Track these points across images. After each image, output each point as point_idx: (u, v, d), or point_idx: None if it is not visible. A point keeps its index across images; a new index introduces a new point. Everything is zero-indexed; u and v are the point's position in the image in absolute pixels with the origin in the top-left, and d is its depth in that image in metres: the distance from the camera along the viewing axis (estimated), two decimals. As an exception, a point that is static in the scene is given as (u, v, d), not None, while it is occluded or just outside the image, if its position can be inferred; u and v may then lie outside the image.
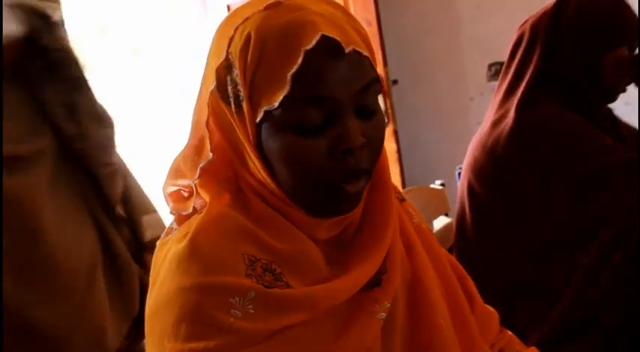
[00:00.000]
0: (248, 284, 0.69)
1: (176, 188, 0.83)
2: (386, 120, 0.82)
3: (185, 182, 0.81)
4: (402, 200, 0.94)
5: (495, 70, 3.27)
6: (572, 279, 1.32)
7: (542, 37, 1.42)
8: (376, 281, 0.78)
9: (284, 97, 0.66)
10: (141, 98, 3.57)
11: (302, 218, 0.75)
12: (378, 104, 0.74)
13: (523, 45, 1.45)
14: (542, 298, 1.35)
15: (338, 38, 0.67)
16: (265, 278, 0.71)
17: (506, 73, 1.48)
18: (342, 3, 3.04)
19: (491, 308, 1.04)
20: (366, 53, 0.71)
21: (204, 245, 0.71)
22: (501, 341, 1.01)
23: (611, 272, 1.29)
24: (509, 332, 1.04)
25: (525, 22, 1.47)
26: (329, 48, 0.67)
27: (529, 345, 1.32)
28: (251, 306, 0.68)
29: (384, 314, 0.77)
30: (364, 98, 0.71)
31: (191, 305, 0.67)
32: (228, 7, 3.59)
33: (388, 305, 0.78)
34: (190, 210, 0.80)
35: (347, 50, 0.68)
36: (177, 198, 0.83)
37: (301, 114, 0.68)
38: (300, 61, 0.66)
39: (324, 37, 0.66)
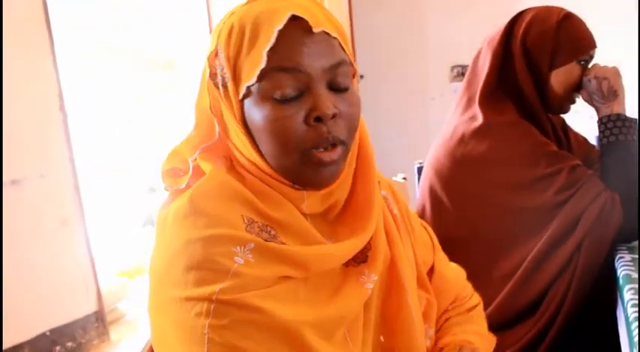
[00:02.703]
0: (248, 237, 0.76)
1: (170, 167, 0.89)
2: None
3: (180, 164, 0.88)
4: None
5: (457, 72, 3.40)
6: (518, 268, 1.43)
7: (494, 55, 1.52)
8: (363, 258, 0.86)
9: (260, 71, 0.75)
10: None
11: (288, 191, 0.82)
12: (350, 83, 0.81)
13: (480, 59, 1.56)
14: (491, 285, 1.46)
15: (307, 19, 0.76)
16: (263, 236, 0.77)
17: (468, 83, 1.58)
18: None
19: (452, 274, 1.10)
20: (334, 35, 0.78)
21: (205, 202, 0.78)
22: (456, 309, 1.09)
23: (555, 263, 1.41)
24: (473, 302, 1.12)
25: (487, 37, 1.57)
26: (300, 28, 0.76)
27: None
28: (251, 256, 0.75)
29: (371, 285, 0.84)
30: (335, 75, 0.78)
31: (198, 255, 0.74)
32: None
33: (375, 277, 0.85)
34: (184, 185, 0.86)
35: (315, 30, 0.76)
36: (172, 175, 0.89)
37: (276, 85, 0.76)
38: (273, 39, 0.75)
39: (294, 17, 0.75)
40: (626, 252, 1.40)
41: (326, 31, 0.77)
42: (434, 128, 1.68)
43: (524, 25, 1.49)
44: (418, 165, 1.89)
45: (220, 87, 0.81)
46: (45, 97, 2.55)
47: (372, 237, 0.87)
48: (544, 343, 1.41)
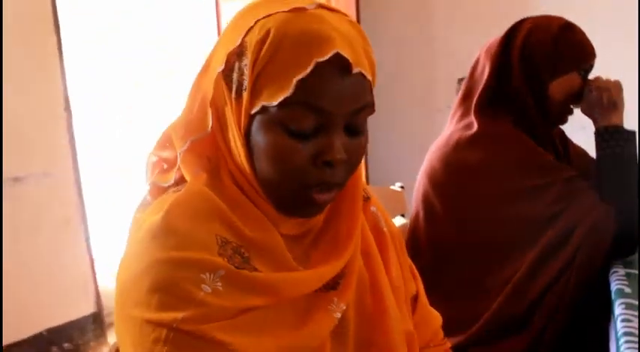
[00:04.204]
0: (219, 262, 0.72)
1: (157, 159, 0.86)
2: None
3: (169, 154, 0.83)
4: (366, 198, 0.95)
5: (464, 84, 3.39)
6: (511, 280, 1.41)
7: (493, 63, 1.49)
8: (333, 285, 0.82)
9: (284, 99, 0.70)
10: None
11: (269, 210, 0.79)
12: (365, 126, 0.78)
13: (478, 68, 1.55)
14: (482, 297, 1.44)
15: (350, 58, 0.70)
16: (235, 260, 0.74)
17: (465, 92, 1.57)
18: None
19: (435, 313, 1.08)
20: (369, 77, 0.74)
21: (179, 220, 0.74)
22: (437, 348, 1.06)
23: (547, 276, 1.39)
24: (448, 345, 1.09)
25: (484, 45, 1.56)
26: (338, 64, 0.71)
27: (461, 340, 1.43)
28: (220, 284, 0.71)
29: (339, 314, 0.80)
30: (355, 118, 0.75)
31: (164, 277, 0.70)
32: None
33: (344, 307, 0.81)
34: (172, 181, 0.83)
35: (354, 71, 0.71)
36: (157, 170, 0.86)
37: (295, 118, 0.71)
38: (309, 70, 0.69)
39: (337, 54, 0.70)
40: (622, 266, 1.38)
41: (363, 72, 0.73)
42: (438, 140, 1.66)
43: (523, 33, 1.48)
44: (421, 176, 1.87)
45: (233, 91, 0.75)
46: (51, 96, 2.56)
47: (346, 264, 0.83)
48: None
